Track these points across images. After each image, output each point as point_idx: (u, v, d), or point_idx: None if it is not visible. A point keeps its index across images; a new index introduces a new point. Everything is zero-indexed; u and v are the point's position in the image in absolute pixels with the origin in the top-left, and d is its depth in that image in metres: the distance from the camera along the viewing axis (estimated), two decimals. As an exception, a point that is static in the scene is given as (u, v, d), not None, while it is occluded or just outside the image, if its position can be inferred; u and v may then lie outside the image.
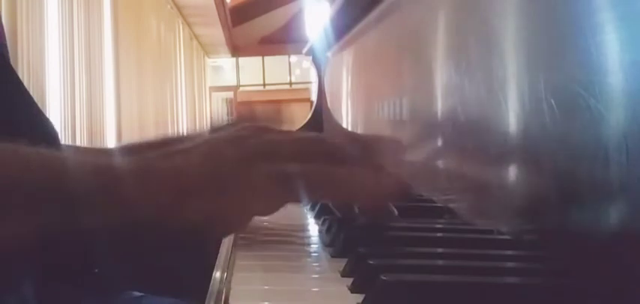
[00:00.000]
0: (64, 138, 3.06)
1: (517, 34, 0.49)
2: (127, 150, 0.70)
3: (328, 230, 0.52)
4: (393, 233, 0.50)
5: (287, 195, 0.45)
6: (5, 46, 0.66)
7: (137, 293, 0.80)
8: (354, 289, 0.37)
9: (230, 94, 12.26)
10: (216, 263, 0.48)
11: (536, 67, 0.45)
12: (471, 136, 0.57)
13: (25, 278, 0.57)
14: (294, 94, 10.01)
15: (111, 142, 4.12)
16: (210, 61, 11.96)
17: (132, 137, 4.59)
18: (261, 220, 0.59)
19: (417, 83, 0.77)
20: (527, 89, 0.46)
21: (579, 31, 0.39)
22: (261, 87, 12.14)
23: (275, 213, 0.44)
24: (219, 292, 0.41)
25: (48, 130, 0.66)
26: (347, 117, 1.29)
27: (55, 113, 3.14)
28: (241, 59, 12.14)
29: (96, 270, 0.69)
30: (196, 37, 9.42)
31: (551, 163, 0.42)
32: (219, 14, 7.86)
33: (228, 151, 0.45)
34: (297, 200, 0.46)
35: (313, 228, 0.57)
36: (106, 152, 0.48)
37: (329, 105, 1.53)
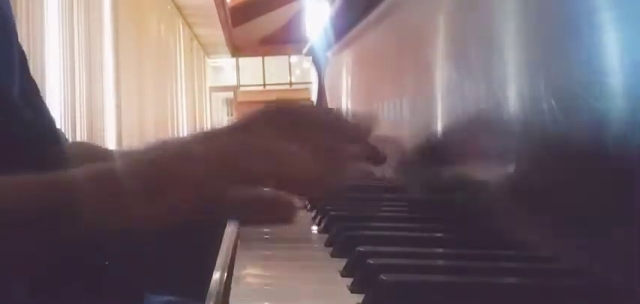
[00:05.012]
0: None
1: (517, 33, 0.49)
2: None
3: (328, 229, 0.52)
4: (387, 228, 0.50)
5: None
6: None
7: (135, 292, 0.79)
8: (354, 289, 0.37)
9: (230, 95, 12.26)
10: (216, 263, 0.48)
11: (536, 67, 0.45)
12: (471, 136, 0.57)
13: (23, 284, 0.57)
14: (294, 95, 10.00)
15: (111, 142, 4.12)
16: (210, 62, 11.96)
17: (132, 137, 4.59)
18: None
19: (417, 83, 0.77)
20: (528, 89, 0.46)
21: (579, 31, 0.39)
22: (261, 88, 12.13)
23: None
24: (219, 292, 0.41)
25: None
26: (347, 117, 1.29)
27: (55, 113, 3.13)
28: (241, 59, 12.13)
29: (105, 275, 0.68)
30: (196, 37, 9.42)
31: (551, 163, 0.42)
32: (219, 14, 7.87)
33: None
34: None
35: (313, 228, 0.57)
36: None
37: (329, 105, 1.53)
